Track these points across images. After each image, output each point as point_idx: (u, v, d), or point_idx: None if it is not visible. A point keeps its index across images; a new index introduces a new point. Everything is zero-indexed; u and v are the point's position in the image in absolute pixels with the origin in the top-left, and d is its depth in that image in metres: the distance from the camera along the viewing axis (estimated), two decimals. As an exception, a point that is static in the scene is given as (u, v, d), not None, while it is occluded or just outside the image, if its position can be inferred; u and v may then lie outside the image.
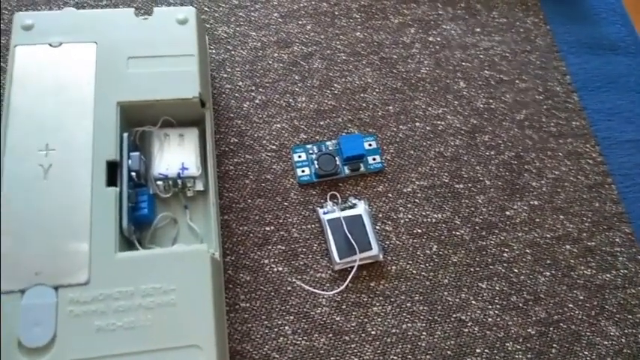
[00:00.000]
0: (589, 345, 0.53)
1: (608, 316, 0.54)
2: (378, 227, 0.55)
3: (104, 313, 0.40)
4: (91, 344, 0.39)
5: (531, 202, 0.58)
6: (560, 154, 0.61)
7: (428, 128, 0.60)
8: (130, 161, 0.46)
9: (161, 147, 0.50)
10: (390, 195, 0.56)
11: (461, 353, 0.51)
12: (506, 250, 0.56)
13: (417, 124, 0.60)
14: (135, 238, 0.46)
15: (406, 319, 0.52)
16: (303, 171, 0.56)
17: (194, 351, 0.40)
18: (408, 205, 0.56)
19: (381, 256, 0.53)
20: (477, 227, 0.56)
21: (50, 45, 0.48)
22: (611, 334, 0.54)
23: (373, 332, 0.51)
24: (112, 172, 0.45)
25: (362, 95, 0.61)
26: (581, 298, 0.55)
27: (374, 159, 0.57)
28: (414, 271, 0.54)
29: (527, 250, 0.56)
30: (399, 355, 0.51)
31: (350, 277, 0.52)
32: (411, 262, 0.54)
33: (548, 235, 0.57)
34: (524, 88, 0.64)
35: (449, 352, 0.51)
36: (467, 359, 0.51)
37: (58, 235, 0.42)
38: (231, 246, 0.53)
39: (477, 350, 0.51)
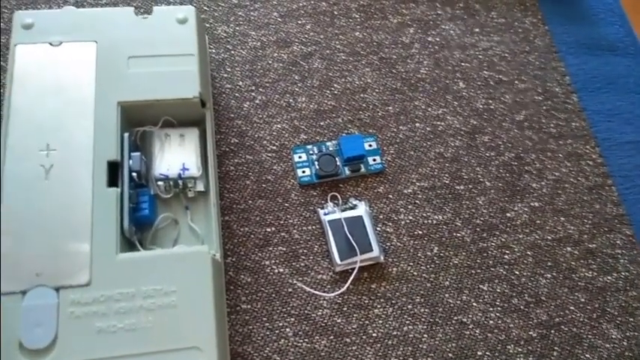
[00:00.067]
0: (590, 348, 0.53)
1: (609, 318, 0.54)
2: (378, 228, 0.55)
3: (105, 315, 0.40)
4: (92, 346, 0.39)
5: (532, 204, 0.58)
6: (560, 155, 0.61)
7: (428, 129, 0.60)
8: (130, 161, 0.46)
9: (162, 147, 0.49)
10: (390, 196, 0.56)
11: (462, 356, 0.51)
12: (507, 252, 0.55)
13: (417, 124, 0.60)
14: (136, 239, 0.45)
15: (407, 322, 0.52)
16: (303, 172, 0.56)
17: (195, 353, 0.40)
18: (409, 207, 0.56)
19: (382, 258, 0.53)
20: (477, 229, 0.56)
21: (50, 44, 0.48)
22: (613, 336, 0.54)
23: (374, 334, 0.51)
24: (113, 172, 0.45)
25: (362, 95, 0.60)
26: (583, 300, 0.55)
27: (374, 160, 0.57)
28: (415, 273, 0.54)
29: (528, 252, 0.56)
30: (400, 358, 0.50)
31: (351, 278, 0.51)
32: (412, 263, 0.54)
33: (549, 237, 0.57)
34: (524, 89, 0.64)
35: (450, 355, 0.51)
36: (468, 361, 0.51)
37: (59, 235, 0.41)
38: (232, 247, 0.52)
39: (479, 353, 0.51)
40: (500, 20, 0.68)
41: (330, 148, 0.57)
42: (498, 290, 0.54)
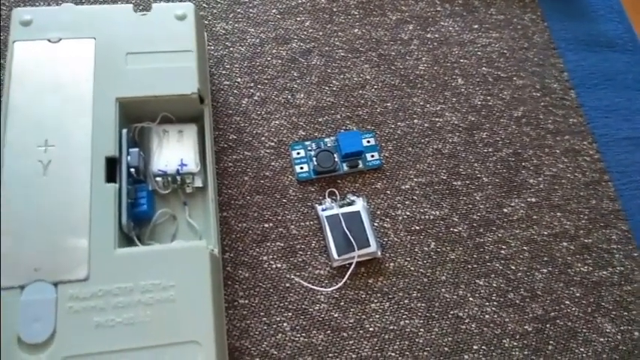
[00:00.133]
0: (585, 342, 0.53)
1: (604, 313, 0.55)
2: (376, 224, 0.55)
3: (103, 309, 0.40)
4: (90, 340, 0.39)
5: (529, 200, 0.58)
6: (558, 151, 0.61)
7: (426, 125, 0.60)
8: (129, 157, 0.46)
9: (160, 143, 0.50)
10: (388, 192, 0.57)
11: (458, 350, 0.51)
12: (503, 247, 0.56)
13: (415, 120, 0.60)
14: (134, 235, 0.46)
15: (404, 316, 0.52)
16: (301, 168, 0.56)
17: (193, 347, 0.40)
18: (406, 202, 0.56)
19: (379, 253, 0.53)
20: (474, 224, 0.56)
21: (49, 41, 0.48)
22: (607, 330, 0.54)
23: (371, 329, 0.51)
24: (111, 168, 0.45)
25: (360, 92, 0.61)
26: (578, 295, 0.55)
27: (372, 156, 0.57)
28: (412, 268, 0.54)
29: (525, 248, 0.56)
30: (397, 352, 0.51)
31: (348, 273, 0.52)
32: (409, 258, 0.54)
33: (545, 233, 0.57)
34: (522, 85, 0.64)
35: (446, 349, 0.51)
36: (464, 356, 0.51)
37: (57, 231, 0.42)
38: (230, 243, 0.53)
39: (474, 347, 0.52)
40: (499, 17, 0.68)
41: (329, 145, 0.57)
42: (494, 285, 0.54)
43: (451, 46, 0.65)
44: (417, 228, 0.55)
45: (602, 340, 0.53)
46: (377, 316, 0.52)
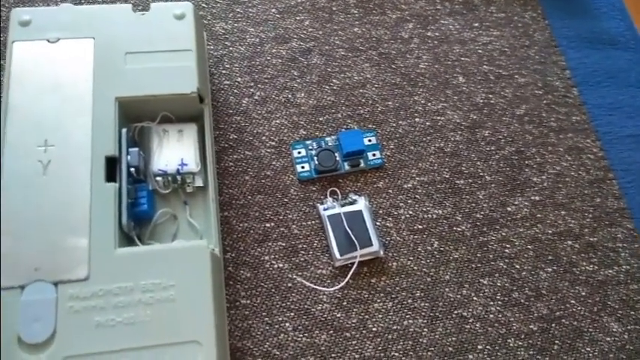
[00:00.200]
0: (591, 341, 0.53)
1: (610, 312, 0.54)
2: (378, 223, 0.55)
3: (104, 309, 0.40)
4: (90, 340, 0.39)
5: (532, 198, 0.58)
6: (561, 149, 0.61)
7: (428, 124, 0.60)
8: (129, 157, 0.46)
9: (160, 143, 0.49)
10: (390, 191, 0.56)
11: (462, 350, 0.51)
12: (507, 246, 0.55)
13: (417, 119, 0.60)
14: (134, 234, 0.45)
15: (407, 316, 0.52)
16: (302, 167, 0.56)
17: (194, 347, 0.40)
18: (409, 201, 0.56)
19: (382, 253, 0.53)
20: (478, 223, 0.56)
21: (48, 41, 0.48)
22: (614, 330, 0.53)
23: (374, 329, 0.51)
24: (111, 167, 0.45)
25: (361, 91, 0.60)
26: (583, 294, 0.54)
27: (374, 155, 0.57)
28: (415, 268, 0.53)
29: (529, 246, 0.56)
30: (400, 352, 0.50)
31: (350, 273, 0.51)
32: (411, 258, 0.54)
33: (549, 231, 0.57)
34: (524, 83, 0.64)
35: (450, 349, 0.51)
36: (468, 356, 0.51)
37: (57, 230, 0.42)
38: (231, 242, 0.52)
39: (479, 347, 0.51)
40: (499, 15, 0.68)
41: (330, 144, 0.57)
42: (499, 284, 0.54)
43: (452, 44, 0.65)
44: (420, 227, 0.55)
45: (608, 339, 0.53)
46: (380, 316, 0.51)
